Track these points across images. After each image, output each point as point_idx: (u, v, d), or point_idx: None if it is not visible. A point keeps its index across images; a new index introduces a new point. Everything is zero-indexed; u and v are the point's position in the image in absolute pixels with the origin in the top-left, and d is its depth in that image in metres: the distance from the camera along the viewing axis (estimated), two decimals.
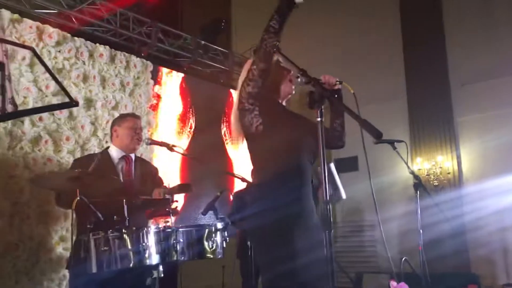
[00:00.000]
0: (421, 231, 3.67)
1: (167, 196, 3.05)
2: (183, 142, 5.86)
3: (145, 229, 2.72)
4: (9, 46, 3.17)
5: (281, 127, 2.12)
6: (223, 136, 6.76)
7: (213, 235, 2.90)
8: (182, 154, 3.47)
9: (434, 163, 7.00)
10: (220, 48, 6.70)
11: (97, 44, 4.92)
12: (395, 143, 3.85)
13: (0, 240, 3.74)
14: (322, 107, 1.69)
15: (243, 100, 2.12)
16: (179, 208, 3.16)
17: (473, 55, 6.93)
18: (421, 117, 7.21)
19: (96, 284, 2.79)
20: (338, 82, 2.10)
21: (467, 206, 6.44)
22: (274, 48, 2.06)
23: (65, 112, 4.37)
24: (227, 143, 6.78)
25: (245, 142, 2.22)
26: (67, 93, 1.42)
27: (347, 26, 7.76)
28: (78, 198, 2.65)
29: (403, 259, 4.76)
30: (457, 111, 7.06)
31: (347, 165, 7.21)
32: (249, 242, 3.57)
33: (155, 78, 5.68)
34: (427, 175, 6.96)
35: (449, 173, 6.90)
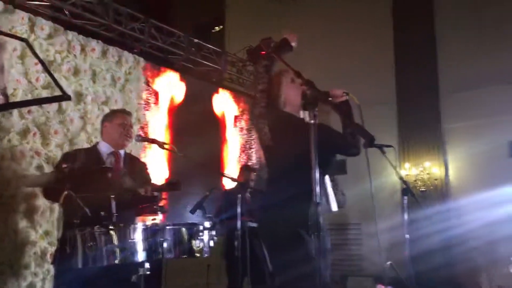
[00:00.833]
0: (407, 236, 3.69)
1: (155, 193, 3.03)
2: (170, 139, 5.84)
3: (132, 225, 2.70)
4: (1, 37, 3.13)
5: (289, 140, 2.18)
6: (220, 135, 6.76)
7: (201, 234, 2.89)
8: (172, 151, 3.46)
9: (422, 168, 7.06)
10: (213, 47, 6.68)
11: (89, 38, 4.89)
12: (384, 148, 3.85)
13: None
14: (316, 109, 1.70)
15: (253, 119, 2.27)
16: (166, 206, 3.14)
17: (462, 64, 7.01)
18: (410, 123, 7.27)
19: (81, 280, 2.77)
20: (345, 94, 2.13)
21: (454, 216, 6.50)
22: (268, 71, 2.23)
23: (54, 105, 4.33)
24: (220, 143, 6.79)
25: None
26: (59, 87, 1.41)
27: (338, 30, 7.80)
28: (66, 192, 2.62)
29: (389, 263, 4.78)
30: (446, 118, 7.14)
31: (335, 169, 7.23)
32: (236, 243, 3.57)
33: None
34: (414, 180, 7.02)
35: (436, 179, 6.97)
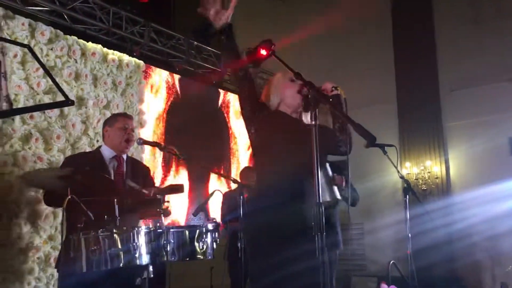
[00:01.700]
0: (409, 235, 3.70)
1: (158, 196, 3.04)
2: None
3: (136, 229, 2.71)
4: (3, 43, 3.15)
5: (275, 142, 2.17)
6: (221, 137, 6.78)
7: (204, 236, 2.90)
8: (174, 154, 3.47)
9: (423, 167, 7.07)
10: (212, 49, 6.70)
11: (90, 43, 4.90)
12: (385, 147, 3.86)
13: None
14: (316, 110, 1.71)
15: (244, 120, 2.32)
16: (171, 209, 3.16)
17: (462, 61, 7.02)
18: (411, 122, 7.28)
19: (85, 284, 2.78)
20: (333, 88, 2.11)
21: (455, 213, 6.51)
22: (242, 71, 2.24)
23: (56, 110, 4.35)
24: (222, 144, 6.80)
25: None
26: (62, 92, 1.42)
27: (338, 29, 7.80)
28: (69, 197, 2.63)
29: (391, 262, 4.79)
30: (446, 117, 7.15)
31: (336, 169, 7.24)
32: (239, 244, 3.57)
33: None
34: (415, 179, 7.03)
35: (437, 178, 6.98)
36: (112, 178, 3.18)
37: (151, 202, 3.07)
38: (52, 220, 4.11)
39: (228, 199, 4.68)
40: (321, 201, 1.58)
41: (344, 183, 2.67)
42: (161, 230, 2.76)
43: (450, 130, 7.11)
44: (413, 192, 3.67)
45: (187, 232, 2.88)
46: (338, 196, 2.17)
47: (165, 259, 2.75)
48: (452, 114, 7.09)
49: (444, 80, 7.23)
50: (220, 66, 6.78)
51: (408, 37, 7.43)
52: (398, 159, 3.98)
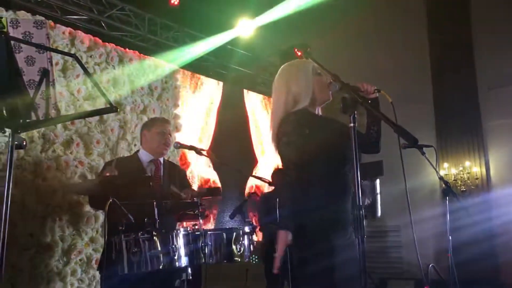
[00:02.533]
0: (450, 237, 3.62)
1: (196, 199, 3.09)
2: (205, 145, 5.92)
3: (175, 231, 2.76)
4: (51, 53, 3.26)
5: (310, 136, 2.13)
6: (251, 139, 6.81)
7: (241, 238, 2.93)
8: (210, 158, 3.52)
9: (462, 168, 6.89)
10: (245, 52, 6.75)
11: (127, 49, 5.02)
12: (423, 148, 3.79)
13: (33, 241, 3.84)
14: (356, 112, 1.70)
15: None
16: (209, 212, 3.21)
17: (501, 59, 6.81)
18: (448, 121, 7.11)
19: (126, 285, 2.85)
20: (376, 91, 2.09)
21: (496, 212, 6.31)
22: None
23: (95, 116, 4.47)
24: (255, 146, 6.83)
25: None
26: (107, 99, 1.47)
27: (373, 30, 7.72)
28: (110, 200, 2.70)
29: (430, 265, 4.69)
30: (485, 116, 6.95)
31: (372, 170, 7.16)
32: (276, 246, 3.58)
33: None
34: (454, 180, 6.86)
35: (477, 178, 6.79)
36: (150, 182, 3.25)
37: (189, 205, 3.11)
38: (94, 223, 4.22)
39: (265, 201, 4.70)
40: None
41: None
42: (198, 233, 2.80)
43: (490, 129, 6.91)
44: (453, 194, 3.58)
45: (224, 235, 2.91)
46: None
47: (203, 261, 2.78)
48: (491, 113, 6.88)
49: (482, 79, 7.03)
50: (252, 69, 6.83)
51: (445, 35, 7.26)
52: (436, 160, 3.90)
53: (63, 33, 4.40)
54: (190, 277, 2.83)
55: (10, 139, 1.33)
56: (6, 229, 1.36)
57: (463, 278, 3.88)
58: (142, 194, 3.00)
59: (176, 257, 2.70)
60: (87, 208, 4.07)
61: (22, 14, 4.11)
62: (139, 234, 2.67)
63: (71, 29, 4.53)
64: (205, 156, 3.33)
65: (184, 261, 2.73)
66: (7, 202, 1.39)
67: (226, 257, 2.90)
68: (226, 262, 2.92)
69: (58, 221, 4.01)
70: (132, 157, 3.45)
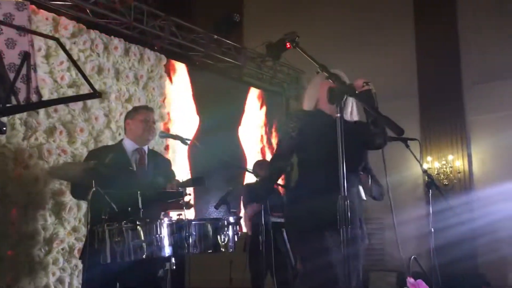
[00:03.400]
0: (432, 230, 3.66)
1: (180, 189, 3.07)
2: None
3: (159, 221, 2.74)
4: (32, 36, 3.19)
5: (315, 142, 2.22)
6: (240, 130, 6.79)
7: (226, 229, 2.92)
8: (196, 147, 3.49)
9: (445, 162, 6.97)
10: (232, 43, 6.70)
11: (112, 37, 4.95)
12: (408, 141, 3.82)
13: (15, 230, 3.79)
14: (342, 102, 1.70)
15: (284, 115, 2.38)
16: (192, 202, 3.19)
17: (486, 54, 6.88)
18: (433, 116, 7.18)
19: (109, 275, 2.83)
20: (365, 84, 2.13)
21: (478, 208, 6.41)
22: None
23: (79, 103, 4.41)
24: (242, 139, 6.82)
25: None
26: (90, 85, 1.44)
27: (360, 22, 7.73)
28: (94, 189, 2.67)
29: (412, 257, 4.74)
30: (469, 110, 7.02)
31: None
32: (260, 237, 3.59)
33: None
34: (437, 174, 6.94)
35: (459, 172, 6.87)
36: (135, 170, 3.22)
37: (174, 195, 3.10)
38: (76, 212, 4.17)
39: (249, 191, 4.69)
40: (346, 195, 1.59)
41: (369, 180, 2.69)
42: (183, 223, 2.79)
43: (473, 124, 6.99)
44: (436, 187, 3.62)
45: (208, 225, 2.89)
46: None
47: (187, 251, 2.77)
48: (475, 108, 6.96)
49: (467, 74, 7.10)
50: (239, 60, 6.78)
51: (430, 30, 7.31)
52: (420, 153, 3.93)
53: (47, 18, 4.32)
54: (174, 267, 2.81)
55: None
56: None
57: (445, 275, 3.94)
58: (126, 183, 2.97)
59: (159, 247, 2.68)
60: (70, 197, 4.02)
61: None
62: (123, 223, 2.64)
63: (55, 15, 4.45)
64: (190, 145, 3.31)
65: (167, 251, 2.72)
66: None
67: (210, 248, 2.89)
68: (210, 252, 2.91)
69: (40, 210, 3.96)
70: (116, 146, 3.41)
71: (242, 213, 4.89)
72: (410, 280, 2.43)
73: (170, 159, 3.82)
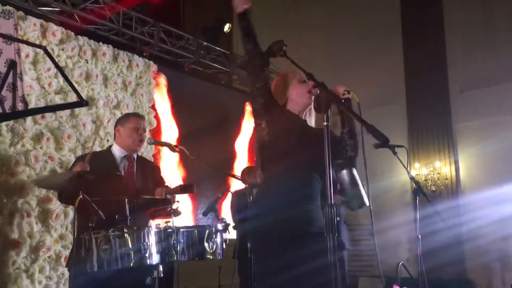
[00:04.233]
0: (419, 236, 3.68)
1: (169, 196, 3.06)
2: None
3: (146, 228, 2.73)
4: (18, 44, 3.19)
5: (284, 139, 2.17)
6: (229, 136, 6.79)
7: (214, 236, 2.90)
8: (184, 154, 3.48)
9: (432, 168, 7.03)
10: (221, 50, 6.72)
11: (100, 43, 4.94)
12: (395, 148, 3.84)
13: (0, 238, 3.74)
14: (329, 111, 1.71)
15: (253, 114, 2.31)
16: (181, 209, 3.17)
17: (472, 62, 6.98)
18: (420, 122, 7.25)
19: (96, 283, 2.80)
20: (346, 92, 2.12)
21: (465, 213, 6.47)
22: (254, 54, 2.26)
23: (67, 110, 4.38)
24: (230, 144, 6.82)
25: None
26: (77, 93, 1.44)
27: (346, 29, 7.80)
28: (81, 196, 2.65)
29: (400, 263, 4.76)
30: (456, 117, 7.10)
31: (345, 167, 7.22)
32: (248, 244, 3.58)
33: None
34: (424, 180, 7.00)
35: (446, 179, 6.94)
36: (123, 176, 3.21)
37: (162, 202, 3.08)
38: (63, 219, 4.14)
39: (237, 198, 4.69)
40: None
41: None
42: (171, 230, 2.77)
43: (460, 131, 7.07)
44: (423, 194, 3.64)
45: (196, 232, 2.88)
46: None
47: (175, 258, 2.75)
48: (462, 115, 7.04)
49: (454, 81, 7.19)
50: (229, 66, 6.80)
51: (418, 38, 7.39)
52: (407, 160, 3.95)
53: (34, 24, 4.31)
54: (162, 275, 2.79)
55: None
56: None
57: (434, 280, 3.96)
58: (114, 191, 2.95)
59: (147, 255, 2.66)
60: (57, 204, 4.00)
61: None
62: (110, 231, 2.62)
63: (43, 21, 4.43)
64: (179, 152, 3.30)
65: (155, 259, 2.70)
66: None
67: (198, 255, 2.87)
68: (198, 259, 2.89)
69: (26, 217, 3.92)
70: (105, 152, 3.39)
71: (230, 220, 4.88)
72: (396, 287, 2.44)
73: (159, 166, 3.80)
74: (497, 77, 6.73)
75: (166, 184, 3.40)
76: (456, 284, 6.12)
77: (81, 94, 4.67)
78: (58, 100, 4.28)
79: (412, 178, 3.80)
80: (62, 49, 4.52)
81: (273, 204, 2.11)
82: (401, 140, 6.49)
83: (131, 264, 2.63)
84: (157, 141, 3.36)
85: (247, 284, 4.23)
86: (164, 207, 3.06)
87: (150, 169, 3.47)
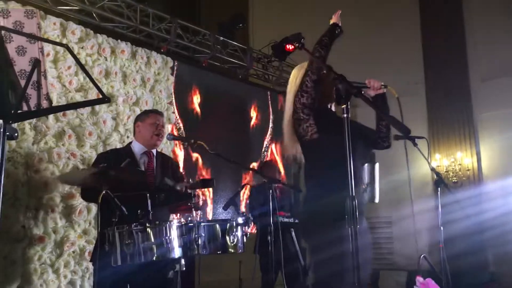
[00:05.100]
0: (441, 228, 3.64)
1: (189, 191, 3.08)
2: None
3: (168, 223, 2.76)
4: (42, 43, 3.23)
5: (334, 134, 2.21)
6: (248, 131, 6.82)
7: (234, 229, 2.93)
8: (204, 149, 3.50)
9: (453, 159, 6.94)
10: (238, 44, 6.72)
11: (119, 40, 4.98)
12: (416, 139, 3.80)
13: (26, 233, 3.83)
14: (349, 103, 1.71)
15: (298, 111, 2.30)
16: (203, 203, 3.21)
17: (493, 51, 6.85)
18: (440, 113, 7.15)
19: (120, 277, 2.85)
20: (383, 86, 2.13)
21: (487, 204, 6.37)
22: (323, 64, 2.25)
23: (87, 107, 4.44)
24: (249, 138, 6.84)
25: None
26: (100, 90, 1.46)
27: (365, 21, 7.71)
28: (104, 192, 2.70)
29: (422, 256, 4.72)
30: (477, 107, 6.99)
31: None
32: (269, 238, 3.60)
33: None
34: (446, 171, 6.92)
35: (468, 170, 6.84)
36: (145, 171, 3.25)
37: (183, 197, 3.11)
38: (86, 215, 4.21)
39: (256, 193, 4.70)
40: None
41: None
42: (192, 224, 2.80)
43: (482, 121, 6.96)
44: (445, 185, 3.60)
45: (217, 226, 2.90)
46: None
47: (196, 252, 2.78)
48: (483, 105, 6.93)
49: (474, 70, 7.07)
50: (245, 61, 6.80)
51: (437, 27, 7.29)
52: (428, 151, 3.91)
53: (54, 24, 4.36)
54: (184, 268, 2.82)
55: (2, 130, 1.32)
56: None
57: (455, 270, 3.91)
58: (135, 186, 2.99)
59: (169, 249, 2.70)
60: (80, 200, 4.06)
61: (13, 4, 4.07)
62: (132, 226, 2.66)
63: (62, 20, 4.49)
64: (198, 147, 3.32)
65: (177, 253, 2.73)
66: None
67: (220, 249, 2.90)
68: (220, 253, 2.92)
69: (51, 213, 4.00)
70: (125, 149, 3.44)
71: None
72: (419, 279, 2.43)
73: (179, 161, 3.83)
74: None
75: (185, 179, 3.43)
76: (479, 275, 6.04)
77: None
78: (78, 97, 4.33)
79: (433, 169, 3.76)
80: (82, 47, 4.58)
81: (328, 188, 2.18)
82: (422, 131, 6.42)
83: (154, 258, 2.68)
84: (176, 136, 3.39)
85: (269, 278, 4.25)
86: (185, 202, 3.09)
87: (170, 165, 3.51)
